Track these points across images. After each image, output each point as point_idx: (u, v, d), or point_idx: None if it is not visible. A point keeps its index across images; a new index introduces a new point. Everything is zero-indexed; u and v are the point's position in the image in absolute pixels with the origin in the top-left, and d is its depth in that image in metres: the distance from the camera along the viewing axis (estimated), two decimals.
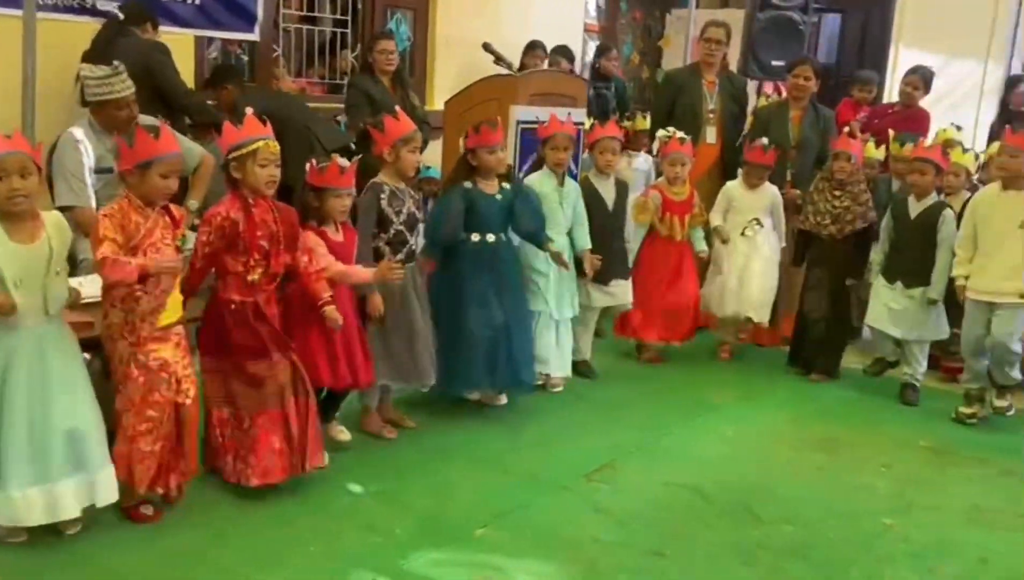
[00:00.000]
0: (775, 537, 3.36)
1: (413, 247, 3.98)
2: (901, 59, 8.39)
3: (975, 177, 5.26)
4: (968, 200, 4.74)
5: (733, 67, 6.54)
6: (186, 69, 5.30)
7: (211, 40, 6.02)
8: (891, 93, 7.92)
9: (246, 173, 3.27)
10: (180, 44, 5.33)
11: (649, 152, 6.08)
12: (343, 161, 3.56)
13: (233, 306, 3.32)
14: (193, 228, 3.43)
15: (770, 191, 5.34)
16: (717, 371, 5.29)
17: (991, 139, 6.90)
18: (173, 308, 3.13)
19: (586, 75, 7.66)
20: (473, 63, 5.83)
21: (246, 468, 3.34)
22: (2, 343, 2.83)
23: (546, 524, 3.37)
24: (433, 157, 5.34)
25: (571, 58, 7.15)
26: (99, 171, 3.96)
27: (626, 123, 6.22)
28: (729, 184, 5.49)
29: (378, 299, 3.81)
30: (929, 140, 5.57)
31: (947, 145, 5.27)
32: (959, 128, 5.94)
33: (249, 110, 3.38)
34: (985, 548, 3.37)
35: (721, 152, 6.02)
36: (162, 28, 5.15)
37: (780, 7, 6.95)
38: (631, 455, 4.01)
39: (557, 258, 4.37)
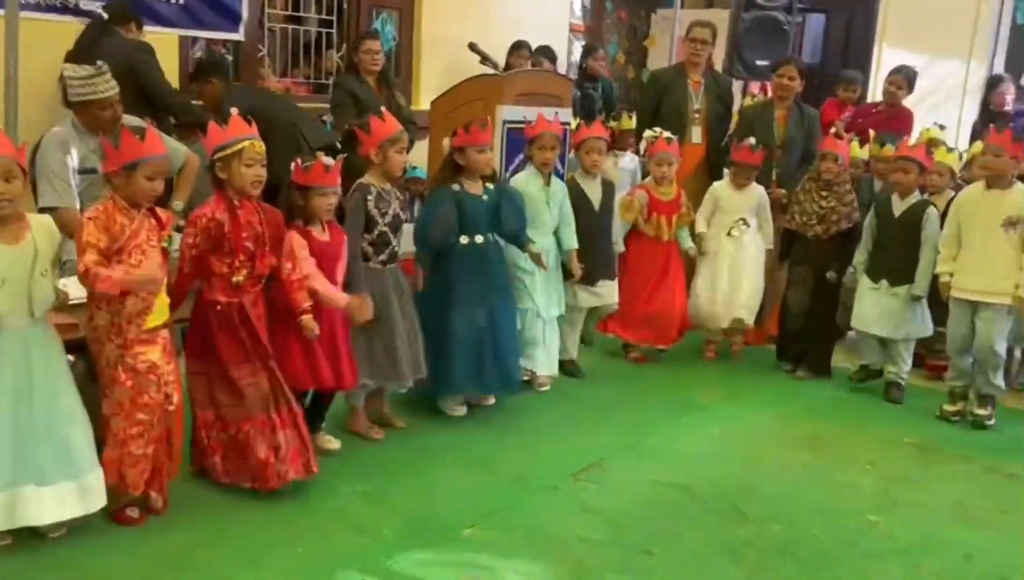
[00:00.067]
0: (762, 535, 3.37)
1: (396, 248, 3.97)
2: (885, 59, 8.43)
3: (959, 176, 5.29)
4: (952, 199, 4.77)
5: (718, 67, 6.56)
6: (170, 69, 5.28)
7: (195, 40, 6.00)
8: (875, 92, 7.96)
9: (232, 173, 3.26)
10: (164, 44, 5.31)
11: (636, 152, 6.09)
12: (328, 159, 3.55)
13: (219, 307, 3.31)
14: (178, 229, 3.41)
15: (757, 191, 5.36)
16: (704, 370, 5.30)
17: (973, 138, 6.94)
18: (160, 310, 3.11)
19: (572, 75, 7.67)
20: (459, 63, 5.83)
21: (237, 470, 3.34)
22: None
23: (534, 524, 3.37)
24: (419, 157, 5.33)
25: (553, 58, 7.15)
26: (83, 172, 3.93)
27: (612, 123, 6.23)
28: (716, 184, 5.50)
29: (368, 302, 3.80)
30: (913, 139, 5.62)
31: (931, 144, 5.30)
32: (942, 127, 5.99)
33: (234, 110, 3.37)
34: (969, 545, 3.39)
35: (707, 152, 6.03)
36: (146, 28, 5.14)
37: (765, 7, 6.98)
38: (618, 454, 4.02)
39: (536, 259, 4.37)
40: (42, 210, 3.63)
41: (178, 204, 4.19)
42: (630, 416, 4.48)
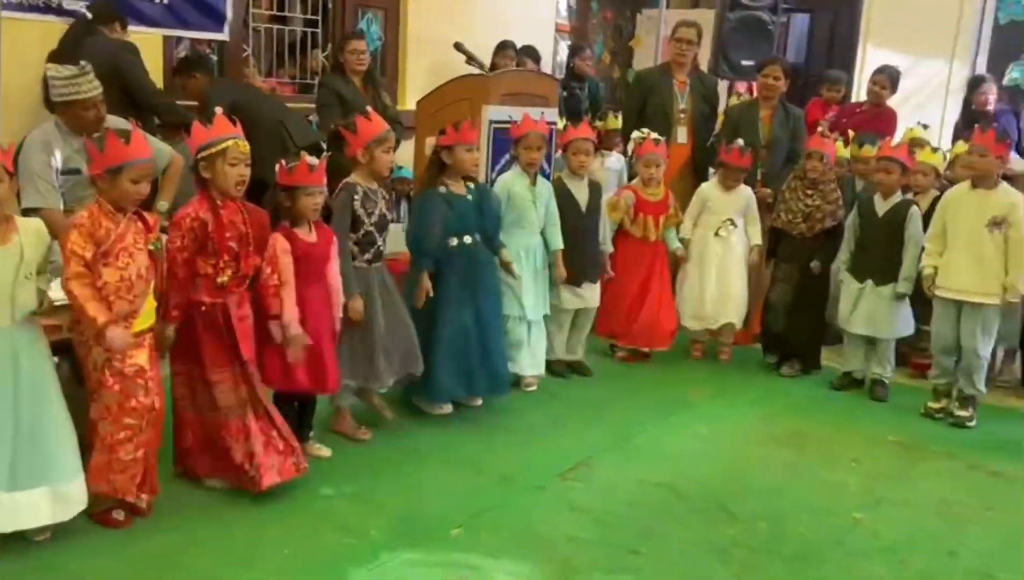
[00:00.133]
0: (749, 534, 3.38)
1: (381, 248, 3.96)
2: (869, 59, 8.46)
3: (943, 175, 5.32)
4: (937, 198, 4.80)
5: (703, 67, 6.58)
6: (155, 69, 5.25)
7: (180, 40, 5.96)
8: (859, 92, 8.00)
9: (215, 173, 3.25)
10: (148, 44, 5.28)
11: (623, 152, 6.10)
12: (312, 159, 3.54)
13: (203, 308, 3.30)
14: (164, 230, 3.39)
15: (745, 192, 5.37)
16: (691, 369, 5.32)
17: (955, 138, 6.99)
18: (147, 314, 3.09)
19: (559, 75, 7.67)
20: (445, 63, 5.82)
21: (221, 469, 3.34)
22: None
23: (522, 523, 3.37)
24: (405, 157, 5.32)
25: (537, 58, 7.15)
26: (66, 172, 3.91)
27: (598, 123, 6.24)
28: (704, 185, 5.52)
29: (358, 303, 3.79)
30: (897, 139, 5.64)
31: (914, 144, 5.33)
32: (926, 126, 6.02)
33: (219, 110, 3.36)
34: (954, 541, 3.42)
35: (692, 152, 6.05)
36: (130, 28, 5.10)
37: (750, 7, 6.99)
38: (606, 454, 4.02)
39: (507, 267, 4.36)
40: (26, 211, 3.60)
41: (163, 205, 4.17)
42: (617, 415, 4.49)
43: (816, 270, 5.03)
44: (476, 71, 5.21)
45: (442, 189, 4.14)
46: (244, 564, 2.97)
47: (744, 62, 6.93)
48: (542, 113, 4.74)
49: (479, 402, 4.42)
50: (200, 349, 3.30)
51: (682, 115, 5.98)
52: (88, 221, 2.94)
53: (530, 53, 7.07)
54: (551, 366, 4.88)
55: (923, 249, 4.66)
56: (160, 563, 2.94)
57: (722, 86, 6.90)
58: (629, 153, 5.62)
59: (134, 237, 3.02)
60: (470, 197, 4.20)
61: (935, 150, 5.21)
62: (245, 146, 3.29)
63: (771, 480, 3.87)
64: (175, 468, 3.45)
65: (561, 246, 4.67)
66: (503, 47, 6.93)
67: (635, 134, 5.32)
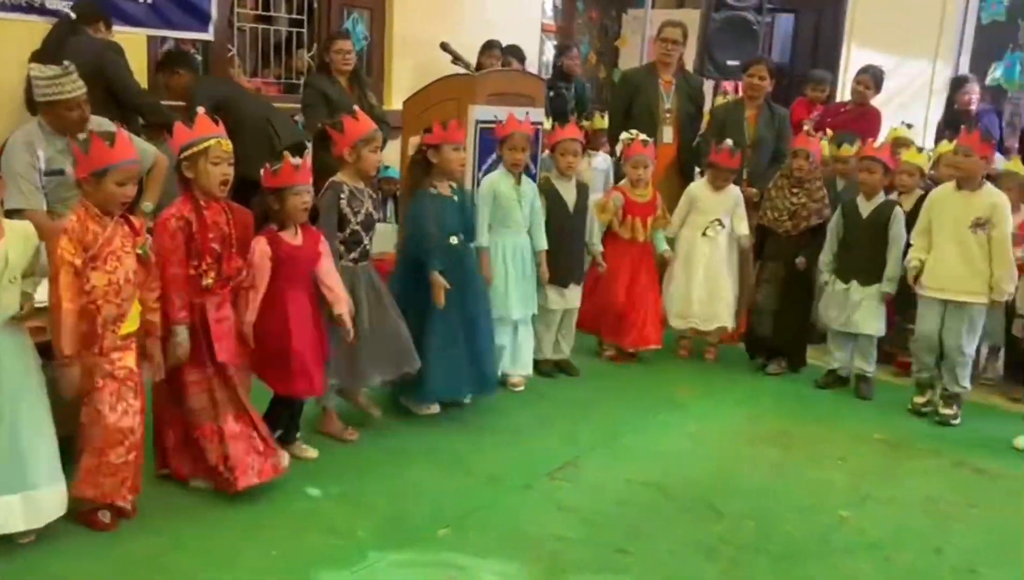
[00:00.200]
0: (736, 532, 3.39)
1: (368, 247, 3.95)
2: (853, 59, 8.51)
3: (927, 175, 5.35)
4: (922, 198, 4.82)
5: (689, 67, 6.60)
6: (139, 69, 5.22)
7: (164, 39, 5.94)
8: (844, 92, 8.04)
9: (198, 172, 3.23)
10: (133, 44, 5.25)
11: (610, 152, 6.10)
12: (294, 159, 3.51)
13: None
14: (149, 230, 3.37)
15: (734, 192, 5.37)
16: (677, 368, 5.32)
17: (938, 138, 7.03)
18: (134, 317, 3.07)
19: (546, 75, 7.67)
20: (430, 63, 5.81)
21: (201, 470, 3.34)
22: None
23: (509, 523, 3.37)
24: (391, 157, 5.31)
25: (522, 58, 7.16)
26: (49, 173, 3.88)
27: (584, 123, 6.24)
28: (693, 185, 5.53)
29: (350, 304, 3.78)
30: (881, 138, 5.67)
31: (898, 144, 5.35)
32: (910, 126, 6.05)
33: (201, 109, 3.34)
34: (939, 538, 3.44)
35: (678, 152, 6.06)
36: (114, 27, 5.07)
37: (735, 7, 7.03)
38: (593, 453, 4.03)
39: (483, 268, 4.36)
40: (8, 212, 3.57)
41: (148, 205, 4.15)
42: (604, 415, 4.49)
43: (801, 266, 5.03)
44: (462, 71, 5.20)
45: (433, 190, 4.14)
46: (230, 566, 2.95)
47: (729, 62, 6.96)
48: (527, 113, 4.74)
49: (467, 401, 4.41)
50: None
51: (668, 115, 6.00)
52: (77, 226, 2.92)
53: (515, 53, 7.08)
54: (538, 366, 4.88)
55: (909, 246, 4.68)
56: (145, 565, 2.92)
57: (708, 86, 6.93)
58: (617, 154, 5.63)
59: (121, 241, 3.00)
60: (455, 198, 4.20)
61: (920, 150, 5.23)
62: (227, 145, 3.27)
63: (758, 478, 3.88)
64: (159, 469, 3.43)
65: (546, 246, 4.67)
66: (489, 47, 6.93)
67: (624, 135, 5.31)
